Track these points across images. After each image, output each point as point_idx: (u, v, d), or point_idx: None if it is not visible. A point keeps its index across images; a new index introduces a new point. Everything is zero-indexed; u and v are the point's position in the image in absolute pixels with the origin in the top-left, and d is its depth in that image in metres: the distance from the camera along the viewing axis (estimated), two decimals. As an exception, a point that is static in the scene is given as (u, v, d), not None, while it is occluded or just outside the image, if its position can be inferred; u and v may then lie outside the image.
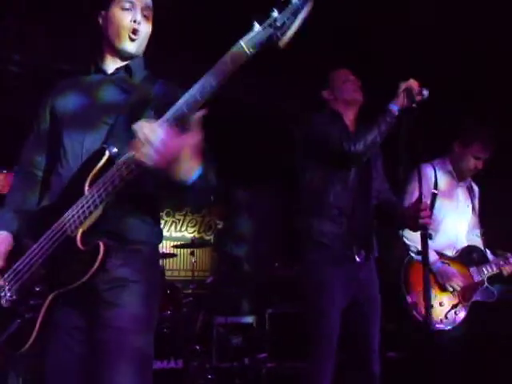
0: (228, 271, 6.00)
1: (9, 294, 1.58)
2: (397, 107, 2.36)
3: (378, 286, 2.47)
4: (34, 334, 1.50)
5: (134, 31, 1.67)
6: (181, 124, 1.32)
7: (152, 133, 1.28)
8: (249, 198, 6.96)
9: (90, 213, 1.46)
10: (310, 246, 2.40)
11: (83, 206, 1.46)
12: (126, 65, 1.75)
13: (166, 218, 7.32)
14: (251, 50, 1.28)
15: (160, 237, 1.72)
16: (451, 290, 2.83)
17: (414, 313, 2.70)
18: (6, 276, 1.60)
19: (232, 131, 5.32)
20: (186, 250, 6.25)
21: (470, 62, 4.18)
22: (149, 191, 1.62)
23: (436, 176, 3.01)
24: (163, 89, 1.70)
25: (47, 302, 1.50)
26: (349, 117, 2.55)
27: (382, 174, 2.64)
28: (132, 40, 1.69)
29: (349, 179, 2.43)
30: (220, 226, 7.74)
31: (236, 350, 4.56)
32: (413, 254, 2.82)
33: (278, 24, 1.27)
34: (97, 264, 1.43)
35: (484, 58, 4.13)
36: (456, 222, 3.07)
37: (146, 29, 1.72)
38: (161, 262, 5.23)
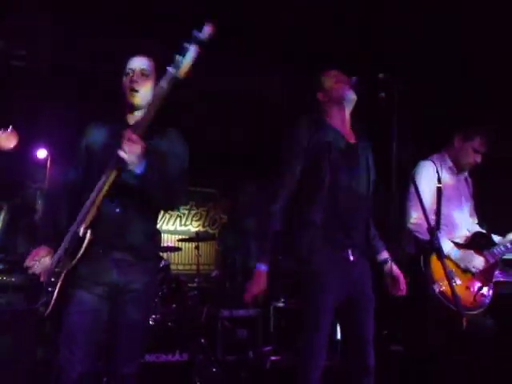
0: (232, 265, 6.01)
1: (52, 279, 2.24)
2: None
3: (371, 285, 2.47)
4: (53, 302, 2.17)
5: (131, 88, 2.33)
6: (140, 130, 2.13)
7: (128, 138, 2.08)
8: (255, 192, 6.96)
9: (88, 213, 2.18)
10: (299, 249, 2.46)
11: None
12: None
13: (170, 213, 7.32)
14: (167, 86, 2.09)
15: (159, 244, 2.28)
16: (474, 270, 2.90)
17: (445, 301, 2.73)
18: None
19: (239, 126, 5.33)
20: (190, 243, 6.27)
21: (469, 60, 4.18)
22: (151, 210, 2.36)
23: (438, 172, 3.07)
24: (163, 137, 2.38)
25: (61, 278, 2.17)
26: (342, 116, 2.56)
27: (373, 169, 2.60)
28: (132, 95, 2.33)
29: (322, 187, 2.40)
30: (224, 220, 7.76)
31: (241, 343, 4.60)
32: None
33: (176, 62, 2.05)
34: (84, 246, 2.13)
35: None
36: (461, 214, 3.13)
37: (144, 84, 2.35)
38: (166, 255, 5.26)
